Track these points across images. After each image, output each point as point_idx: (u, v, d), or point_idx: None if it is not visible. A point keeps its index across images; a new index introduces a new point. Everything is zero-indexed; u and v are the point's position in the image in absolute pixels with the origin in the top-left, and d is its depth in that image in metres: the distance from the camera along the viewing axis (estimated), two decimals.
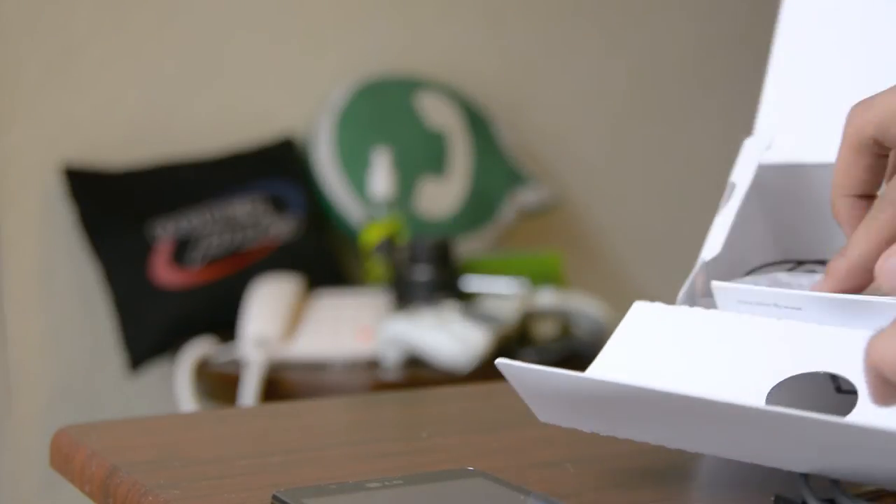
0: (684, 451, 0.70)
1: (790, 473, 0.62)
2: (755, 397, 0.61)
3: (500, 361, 0.62)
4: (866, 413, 0.58)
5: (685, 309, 0.67)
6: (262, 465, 0.70)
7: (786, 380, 0.61)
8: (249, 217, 2.09)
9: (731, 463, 0.69)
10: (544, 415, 0.65)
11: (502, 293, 1.97)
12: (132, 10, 2.16)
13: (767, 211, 0.73)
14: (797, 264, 0.70)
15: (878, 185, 0.64)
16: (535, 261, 2.16)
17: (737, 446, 0.59)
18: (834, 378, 0.63)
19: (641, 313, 0.68)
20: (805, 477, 0.60)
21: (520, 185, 2.31)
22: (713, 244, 0.71)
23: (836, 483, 0.59)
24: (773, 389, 0.61)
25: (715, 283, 0.67)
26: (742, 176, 0.73)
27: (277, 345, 1.85)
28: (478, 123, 2.30)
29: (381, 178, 2.08)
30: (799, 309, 0.63)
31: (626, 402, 0.60)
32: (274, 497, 0.60)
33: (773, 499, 0.61)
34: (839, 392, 0.63)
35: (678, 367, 0.65)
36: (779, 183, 0.72)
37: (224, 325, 1.97)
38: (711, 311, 0.66)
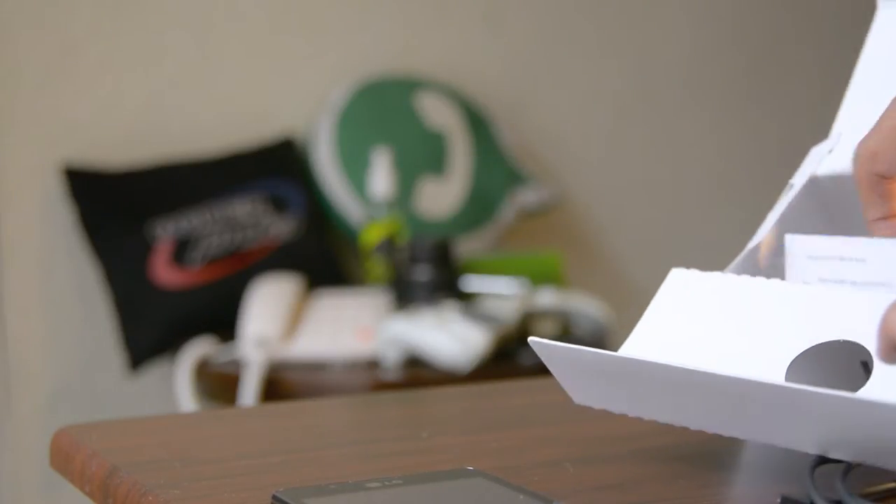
0: (686, 451, 0.70)
1: (796, 474, 0.62)
2: (778, 366, 0.62)
3: (534, 340, 0.63)
4: (878, 387, 0.59)
5: (719, 275, 0.69)
6: (262, 465, 0.70)
7: (812, 348, 0.62)
8: (249, 217, 2.09)
9: (735, 463, 0.69)
10: (578, 396, 0.66)
11: (502, 293, 1.97)
12: (132, 10, 2.16)
13: (825, 216, 0.75)
14: None
15: None
16: (535, 261, 2.15)
17: (757, 424, 0.60)
18: (861, 351, 0.64)
19: (678, 280, 0.69)
20: (812, 476, 0.60)
21: (520, 185, 2.31)
22: (760, 235, 0.72)
23: (842, 483, 0.59)
24: (797, 358, 0.62)
25: (788, 236, 0.70)
26: (800, 178, 0.74)
27: (277, 345, 1.85)
28: (478, 123, 2.30)
29: (381, 178, 2.08)
30: (863, 261, 0.65)
31: (654, 378, 0.60)
32: (274, 497, 0.60)
33: (779, 500, 0.61)
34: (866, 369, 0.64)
35: (710, 335, 0.66)
36: (834, 191, 0.74)
37: (224, 325, 1.97)
38: (744, 278, 0.68)
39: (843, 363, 0.64)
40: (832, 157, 0.74)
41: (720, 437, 0.73)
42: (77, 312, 2.12)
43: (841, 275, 0.67)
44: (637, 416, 0.65)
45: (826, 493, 0.59)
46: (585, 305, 1.96)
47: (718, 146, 2.69)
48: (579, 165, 2.54)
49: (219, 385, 1.88)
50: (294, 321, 1.90)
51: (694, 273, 0.69)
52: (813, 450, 0.59)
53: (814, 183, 0.74)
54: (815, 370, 0.63)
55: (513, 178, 2.30)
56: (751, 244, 0.72)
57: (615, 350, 0.68)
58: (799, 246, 0.69)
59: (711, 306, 0.67)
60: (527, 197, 2.31)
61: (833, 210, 0.74)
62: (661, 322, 0.68)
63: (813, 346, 0.63)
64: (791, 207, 0.73)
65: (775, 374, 0.62)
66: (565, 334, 1.94)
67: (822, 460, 0.61)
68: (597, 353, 0.61)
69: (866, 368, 0.64)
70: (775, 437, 0.60)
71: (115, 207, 2.07)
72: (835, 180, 0.74)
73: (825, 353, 0.63)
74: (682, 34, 2.63)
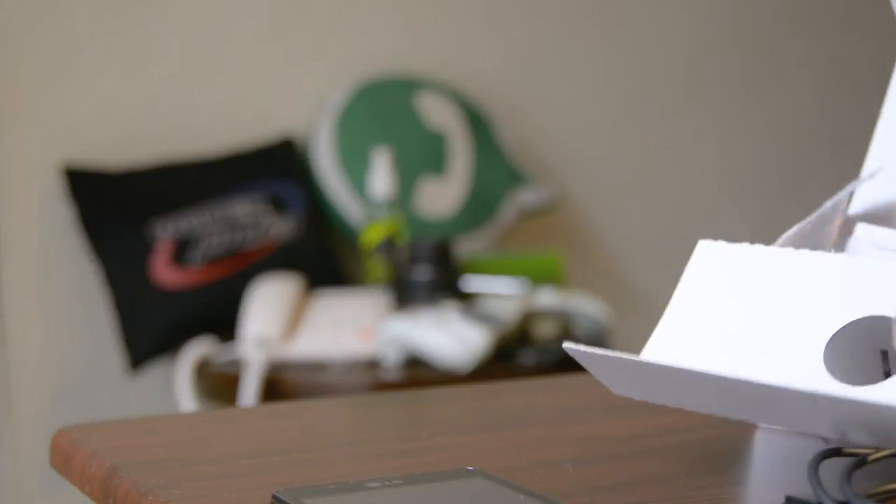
0: (687, 451, 0.70)
1: (798, 474, 0.62)
2: (817, 344, 0.62)
3: (569, 346, 0.63)
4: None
5: (748, 247, 0.68)
6: (262, 465, 0.70)
7: (851, 323, 0.62)
8: (249, 217, 2.09)
9: (736, 464, 0.69)
10: (617, 389, 0.67)
11: (502, 293, 1.97)
12: (132, 11, 2.16)
13: None
14: None
15: None
16: (535, 261, 2.15)
17: (793, 416, 0.60)
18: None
19: (707, 253, 0.69)
20: (815, 475, 0.60)
21: (520, 185, 2.31)
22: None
23: (847, 483, 0.59)
24: (836, 334, 0.62)
25: (859, 224, 0.69)
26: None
27: (277, 345, 1.85)
28: (478, 123, 2.30)
29: (381, 178, 2.08)
30: None
31: (685, 380, 0.61)
32: (274, 497, 0.60)
33: (783, 500, 0.60)
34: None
35: (745, 313, 0.66)
36: None
37: (224, 325, 1.97)
38: (774, 249, 0.67)
39: (881, 338, 0.64)
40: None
41: (721, 437, 0.73)
42: (77, 312, 2.12)
43: None
44: (677, 406, 0.66)
45: (831, 493, 0.59)
46: (585, 305, 1.96)
47: (718, 146, 2.69)
48: (579, 165, 2.54)
49: (219, 385, 1.88)
50: (294, 321, 1.90)
51: (722, 245, 0.69)
52: (835, 436, 0.60)
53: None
54: (854, 345, 0.63)
55: (513, 178, 2.30)
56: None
57: (641, 342, 0.69)
58: (867, 233, 0.68)
59: (744, 280, 0.67)
60: (527, 197, 2.31)
61: None
62: (693, 299, 0.68)
63: (851, 322, 0.63)
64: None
65: (814, 353, 0.62)
66: (565, 334, 1.94)
67: (823, 456, 0.61)
68: (633, 360, 0.62)
69: (885, 357, 0.64)
70: (814, 428, 0.61)
71: (115, 207, 2.07)
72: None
73: (864, 328, 0.63)
74: (682, 34, 2.63)
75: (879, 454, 0.62)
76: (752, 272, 0.67)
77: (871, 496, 0.60)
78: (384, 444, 0.77)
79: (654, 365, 0.61)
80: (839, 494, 0.58)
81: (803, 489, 0.61)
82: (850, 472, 0.59)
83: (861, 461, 0.61)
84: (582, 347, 0.63)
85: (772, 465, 0.68)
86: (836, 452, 0.62)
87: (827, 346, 0.63)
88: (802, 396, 0.56)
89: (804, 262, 0.66)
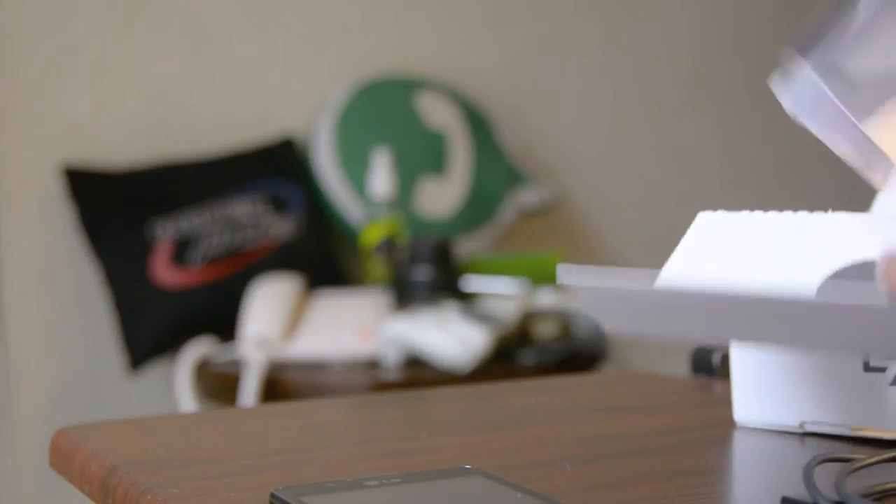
0: (685, 450, 0.70)
1: (795, 474, 0.62)
2: (808, 288, 0.65)
3: (562, 267, 0.64)
4: None
5: (746, 214, 0.72)
6: (262, 465, 0.70)
7: (841, 271, 0.64)
8: (249, 217, 2.09)
9: (734, 463, 0.69)
10: (609, 322, 0.67)
11: (502, 293, 1.97)
12: (132, 10, 2.16)
13: None
14: None
15: None
16: (535, 261, 2.16)
17: (794, 336, 0.61)
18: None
19: (705, 221, 0.73)
20: (810, 477, 0.60)
21: (520, 185, 2.31)
22: None
23: (843, 483, 0.59)
24: (826, 281, 0.64)
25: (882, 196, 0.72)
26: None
27: (277, 345, 1.85)
28: (478, 123, 2.30)
29: (381, 178, 2.08)
30: None
31: (689, 303, 0.61)
32: (272, 496, 0.60)
33: (780, 501, 0.61)
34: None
35: (738, 267, 0.70)
36: None
37: (224, 325, 1.98)
38: (771, 214, 0.71)
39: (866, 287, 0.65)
40: None
41: (720, 437, 0.73)
42: (77, 312, 2.12)
43: None
44: (674, 338, 0.66)
45: (826, 494, 0.59)
46: None
47: (718, 146, 2.69)
48: (579, 165, 2.54)
49: (219, 385, 1.88)
50: (294, 321, 1.90)
51: (721, 213, 0.72)
52: (851, 353, 0.61)
53: None
54: (844, 289, 0.64)
55: (513, 178, 2.30)
56: None
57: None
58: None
59: (739, 241, 0.70)
60: (527, 197, 2.31)
61: None
62: (690, 259, 0.70)
63: (841, 269, 0.64)
64: None
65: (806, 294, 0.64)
66: (565, 334, 1.94)
67: (820, 461, 0.61)
68: (633, 288, 0.61)
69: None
70: (812, 346, 0.61)
71: (115, 207, 2.07)
72: None
73: (856, 273, 0.64)
74: (682, 34, 2.63)
75: (874, 459, 0.62)
76: (747, 235, 0.70)
77: (866, 496, 0.60)
78: (384, 444, 0.77)
79: (655, 289, 0.62)
80: (834, 495, 0.59)
81: (799, 490, 0.61)
82: (845, 473, 0.59)
83: (856, 464, 0.61)
84: (576, 268, 0.63)
85: (769, 465, 0.68)
86: (831, 458, 0.62)
87: (818, 293, 0.64)
88: (819, 308, 0.57)
89: (799, 221, 0.68)
